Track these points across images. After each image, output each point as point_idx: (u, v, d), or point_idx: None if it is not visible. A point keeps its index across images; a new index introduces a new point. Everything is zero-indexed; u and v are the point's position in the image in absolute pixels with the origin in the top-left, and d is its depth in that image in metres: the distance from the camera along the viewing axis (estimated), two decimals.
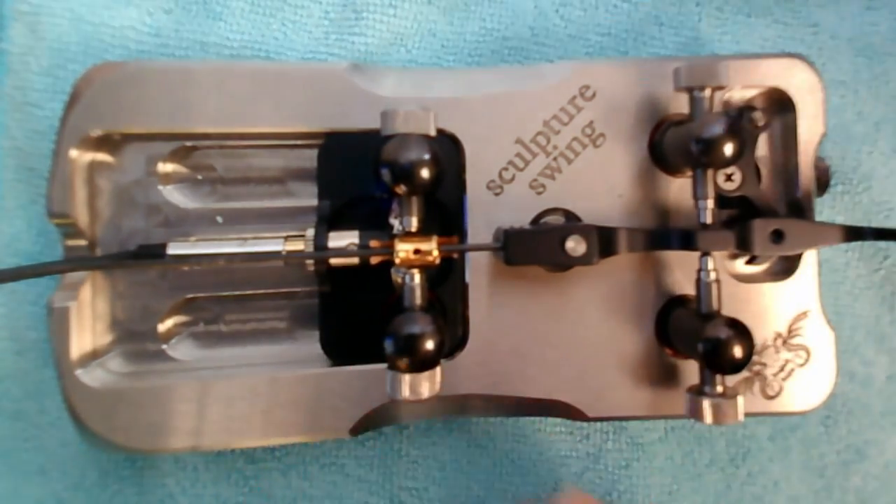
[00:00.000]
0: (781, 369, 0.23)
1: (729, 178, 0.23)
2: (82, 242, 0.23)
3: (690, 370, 0.23)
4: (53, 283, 0.24)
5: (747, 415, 0.21)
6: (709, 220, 0.22)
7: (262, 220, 0.24)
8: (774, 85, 0.23)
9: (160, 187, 0.24)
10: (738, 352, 0.20)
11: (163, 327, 0.24)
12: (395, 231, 0.21)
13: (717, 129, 0.20)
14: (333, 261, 0.22)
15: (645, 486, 0.26)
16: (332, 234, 0.21)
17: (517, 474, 0.26)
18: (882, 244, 0.27)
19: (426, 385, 0.19)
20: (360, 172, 0.23)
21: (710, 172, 0.22)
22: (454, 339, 0.23)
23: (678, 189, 0.23)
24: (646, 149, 0.23)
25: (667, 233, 0.22)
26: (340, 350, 0.23)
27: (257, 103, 0.22)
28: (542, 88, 0.23)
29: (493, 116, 0.23)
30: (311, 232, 0.22)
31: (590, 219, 0.23)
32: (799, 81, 0.23)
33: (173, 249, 0.21)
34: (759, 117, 0.23)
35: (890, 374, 0.26)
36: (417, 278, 0.20)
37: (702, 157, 0.21)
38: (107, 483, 0.25)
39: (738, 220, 0.23)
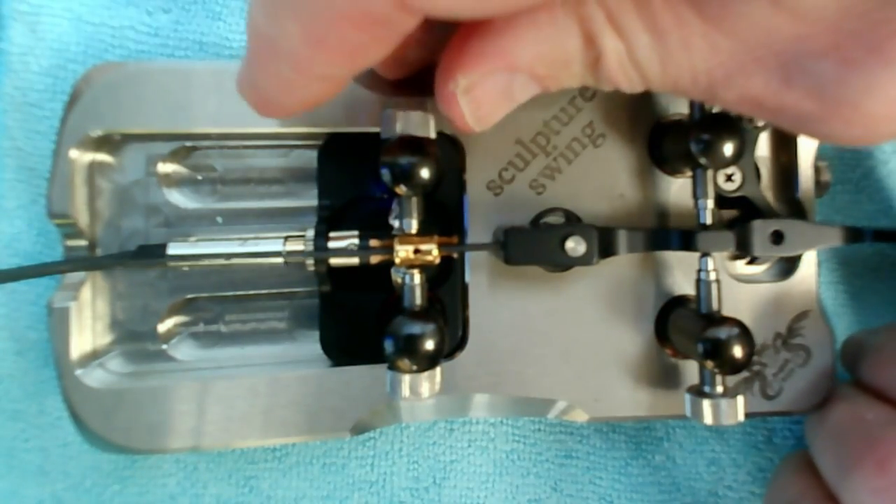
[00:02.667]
0: (781, 369, 0.23)
1: (729, 178, 0.23)
2: (82, 242, 0.23)
3: (690, 370, 0.23)
4: (53, 283, 0.24)
5: (747, 415, 0.21)
6: (708, 220, 0.22)
7: (262, 220, 0.24)
8: None
9: (160, 188, 0.24)
10: (738, 352, 0.20)
11: (163, 327, 0.24)
12: (394, 231, 0.21)
13: (717, 129, 0.20)
14: (333, 261, 0.22)
15: (644, 485, 0.26)
16: (332, 235, 0.21)
17: (517, 474, 0.26)
18: (880, 245, 0.27)
19: (426, 385, 0.19)
20: (360, 172, 0.23)
21: (709, 173, 0.22)
22: (454, 339, 0.23)
23: (678, 189, 0.23)
24: (645, 149, 0.23)
25: (666, 233, 0.22)
26: (340, 350, 0.23)
27: None
28: None
29: None
30: (311, 232, 0.22)
31: (590, 219, 0.23)
32: None
33: (173, 249, 0.21)
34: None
35: None
36: (417, 278, 0.20)
37: (701, 158, 0.21)
38: (107, 483, 0.25)
39: (739, 220, 0.23)
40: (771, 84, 0.15)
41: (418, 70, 0.20)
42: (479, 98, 0.17)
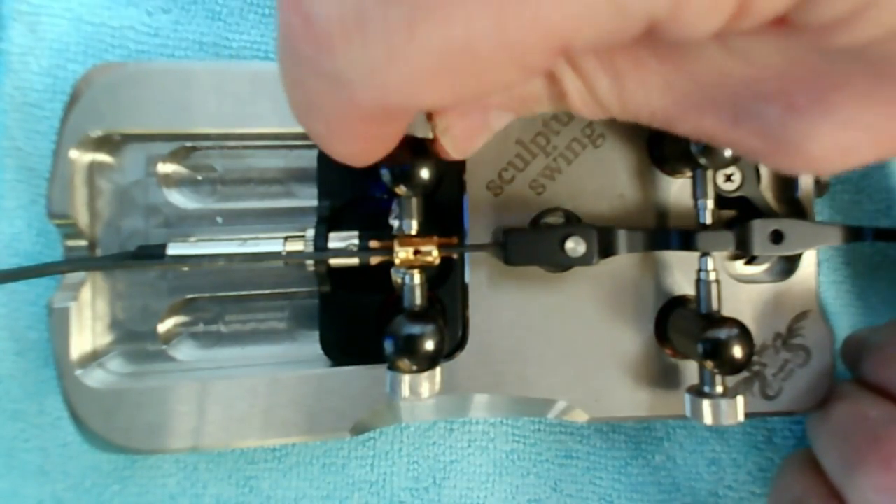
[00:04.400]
0: (781, 369, 0.23)
1: (729, 178, 0.23)
2: (82, 243, 0.23)
3: (690, 370, 0.23)
4: (53, 283, 0.24)
5: (747, 415, 0.21)
6: (708, 220, 0.22)
7: (262, 220, 0.24)
8: None
9: (160, 188, 0.24)
10: (738, 352, 0.20)
11: (163, 328, 0.24)
12: (394, 232, 0.21)
13: None
14: (333, 261, 0.22)
15: (644, 484, 0.26)
16: (332, 235, 0.21)
17: (517, 474, 0.26)
18: (881, 244, 0.27)
19: (426, 385, 0.19)
20: (360, 172, 0.23)
21: (709, 173, 0.22)
22: (454, 339, 0.23)
23: (678, 189, 0.23)
24: (645, 149, 0.23)
25: (666, 233, 0.22)
26: (340, 350, 0.23)
27: (257, 103, 0.22)
28: None
29: None
30: (311, 232, 0.22)
31: (590, 219, 0.23)
32: None
33: (173, 250, 0.21)
34: None
35: None
36: (417, 279, 0.20)
37: (701, 158, 0.21)
38: (107, 483, 0.25)
39: (739, 220, 0.23)
40: (721, 123, 0.16)
41: None
42: (457, 135, 0.18)
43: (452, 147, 0.18)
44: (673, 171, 0.23)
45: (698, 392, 0.21)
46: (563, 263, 0.22)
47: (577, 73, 0.16)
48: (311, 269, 0.22)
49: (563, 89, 0.17)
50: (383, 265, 0.21)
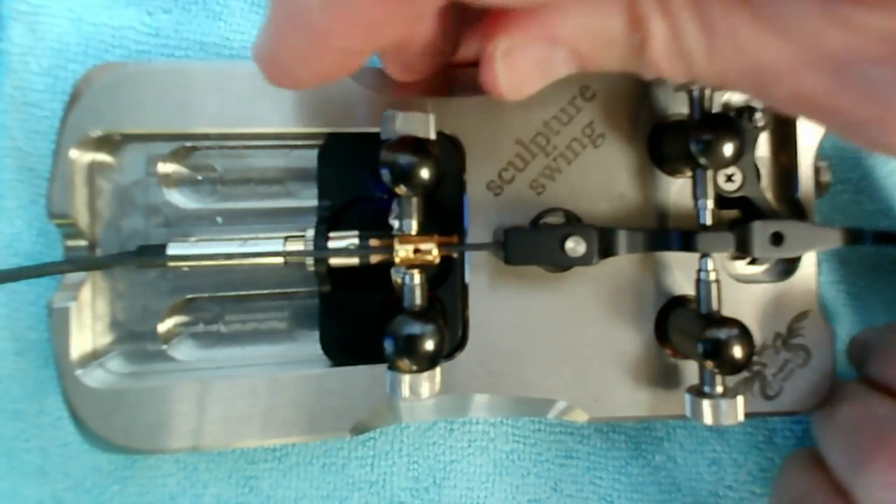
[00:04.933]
0: (781, 369, 0.23)
1: (730, 178, 0.23)
2: (82, 243, 0.23)
3: (690, 370, 0.23)
4: (53, 283, 0.24)
5: (747, 415, 0.21)
6: (708, 220, 0.22)
7: (262, 220, 0.24)
8: None
9: (160, 188, 0.24)
10: (738, 352, 0.20)
11: (163, 328, 0.24)
12: (394, 232, 0.21)
13: (717, 129, 0.20)
14: (333, 261, 0.22)
15: (644, 484, 0.26)
16: (331, 235, 0.21)
17: (517, 474, 0.26)
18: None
19: (426, 385, 0.19)
20: (360, 173, 0.23)
21: (709, 173, 0.22)
22: (454, 339, 0.23)
23: (678, 189, 0.23)
24: (645, 149, 0.23)
25: (666, 234, 0.22)
26: (340, 350, 0.23)
27: (257, 103, 0.22)
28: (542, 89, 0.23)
29: (493, 117, 0.23)
30: (311, 232, 0.22)
31: (590, 219, 0.23)
32: None
33: (173, 249, 0.21)
34: (759, 117, 0.23)
35: None
36: (417, 278, 0.20)
37: (701, 158, 0.21)
38: (107, 483, 0.25)
39: (739, 220, 0.23)
40: (825, 85, 0.15)
41: (426, 74, 0.20)
42: (516, 64, 0.17)
43: (505, 76, 0.17)
44: (673, 171, 0.23)
45: (698, 392, 0.21)
46: (563, 263, 0.22)
47: (666, 16, 0.15)
48: (311, 269, 0.22)
49: (646, 35, 0.16)
50: (383, 265, 0.21)
